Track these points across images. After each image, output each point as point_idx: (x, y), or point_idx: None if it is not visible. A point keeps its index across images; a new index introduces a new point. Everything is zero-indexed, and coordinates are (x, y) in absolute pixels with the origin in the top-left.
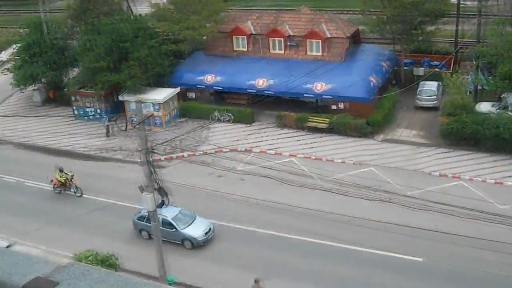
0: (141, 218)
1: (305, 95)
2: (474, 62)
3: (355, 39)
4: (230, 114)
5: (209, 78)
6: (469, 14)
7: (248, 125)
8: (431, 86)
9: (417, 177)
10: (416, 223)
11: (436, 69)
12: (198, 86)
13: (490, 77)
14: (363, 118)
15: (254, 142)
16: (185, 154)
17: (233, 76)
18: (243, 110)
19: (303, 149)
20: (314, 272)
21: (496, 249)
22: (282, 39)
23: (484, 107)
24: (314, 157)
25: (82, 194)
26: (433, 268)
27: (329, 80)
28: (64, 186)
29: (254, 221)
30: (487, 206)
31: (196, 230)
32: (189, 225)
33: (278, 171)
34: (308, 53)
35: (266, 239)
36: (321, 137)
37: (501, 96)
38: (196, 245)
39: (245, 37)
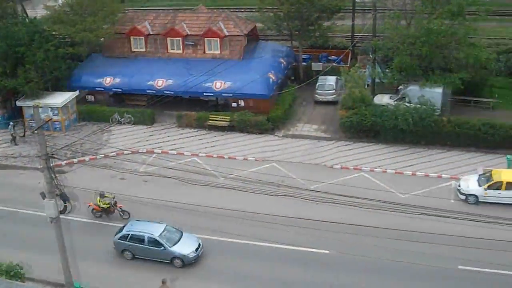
0: (124, 237)
1: (205, 94)
2: (371, 55)
3: (253, 37)
4: (130, 116)
5: (108, 80)
6: (365, 9)
7: (149, 126)
8: (329, 80)
9: (320, 171)
10: (321, 216)
11: (334, 64)
12: (97, 88)
13: (386, 70)
14: (263, 115)
15: (155, 143)
16: (87, 158)
17: (132, 77)
18: (143, 111)
19: (205, 148)
20: (220, 270)
21: (400, 237)
22: (180, 38)
23: (382, 99)
24: (216, 155)
25: (129, 216)
26: (340, 260)
27: (228, 78)
28: (106, 211)
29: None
30: (389, 196)
31: (185, 247)
32: (177, 242)
33: (181, 171)
34: (207, 51)
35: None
36: (222, 135)
37: (398, 88)
38: (187, 263)
39: (143, 37)
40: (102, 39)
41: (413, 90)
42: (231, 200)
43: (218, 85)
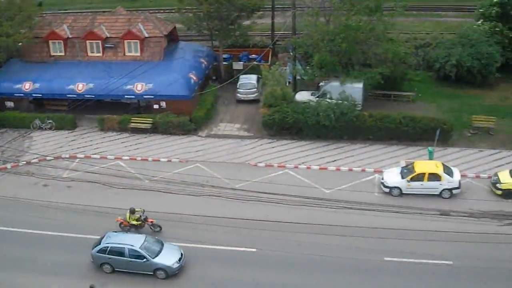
0: (103, 250)
1: (126, 96)
2: (291, 53)
3: (173, 38)
4: (51, 121)
5: (27, 86)
6: (284, 7)
7: (70, 131)
8: (250, 79)
9: (244, 170)
10: (247, 214)
11: (255, 62)
12: (16, 94)
13: (307, 67)
14: (185, 116)
15: (78, 148)
16: (8, 165)
17: (52, 82)
18: (65, 116)
19: (129, 151)
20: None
21: (326, 232)
22: (99, 41)
23: (304, 96)
24: (140, 158)
25: (160, 229)
26: (267, 258)
27: (149, 80)
28: (137, 227)
29: (84, 228)
30: (314, 191)
31: (168, 257)
32: (159, 253)
33: (105, 175)
34: (127, 54)
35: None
36: (145, 137)
37: (319, 85)
38: (170, 274)
39: (62, 41)
40: (20, 43)
41: (334, 86)
42: (156, 202)
43: (139, 87)
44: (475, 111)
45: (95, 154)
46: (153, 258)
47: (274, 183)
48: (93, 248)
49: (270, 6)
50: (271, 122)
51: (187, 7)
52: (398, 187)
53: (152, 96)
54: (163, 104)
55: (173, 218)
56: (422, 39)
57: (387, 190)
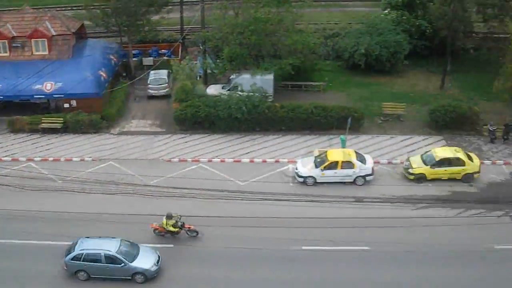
0: (77, 258)
1: (35, 96)
2: (201, 47)
3: (81, 35)
4: None
5: None
6: (193, 1)
7: None
8: (161, 74)
9: (158, 166)
10: (162, 210)
11: (165, 58)
12: None
13: (217, 60)
14: (97, 113)
15: None
16: None
17: None
18: None
19: (40, 151)
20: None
21: (243, 224)
22: (6, 40)
23: (215, 89)
24: (52, 159)
25: (197, 234)
26: (185, 252)
27: (58, 78)
28: (174, 233)
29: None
30: (229, 184)
31: (145, 261)
32: (137, 256)
33: (17, 177)
34: (35, 53)
35: (11, 249)
36: (56, 137)
37: (230, 78)
38: (149, 278)
39: None
40: None
41: (245, 79)
42: (71, 202)
43: (49, 86)
44: (385, 98)
45: (5, 156)
46: (131, 262)
47: (188, 177)
48: (65, 256)
49: (179, 1)
50: (183, 116)
51: (94, 4)
52: (312, 176)
53: (62, 95)
54: (74, 102)
55: (88, 218)
56: (331, 29)
57: (301, 179)
